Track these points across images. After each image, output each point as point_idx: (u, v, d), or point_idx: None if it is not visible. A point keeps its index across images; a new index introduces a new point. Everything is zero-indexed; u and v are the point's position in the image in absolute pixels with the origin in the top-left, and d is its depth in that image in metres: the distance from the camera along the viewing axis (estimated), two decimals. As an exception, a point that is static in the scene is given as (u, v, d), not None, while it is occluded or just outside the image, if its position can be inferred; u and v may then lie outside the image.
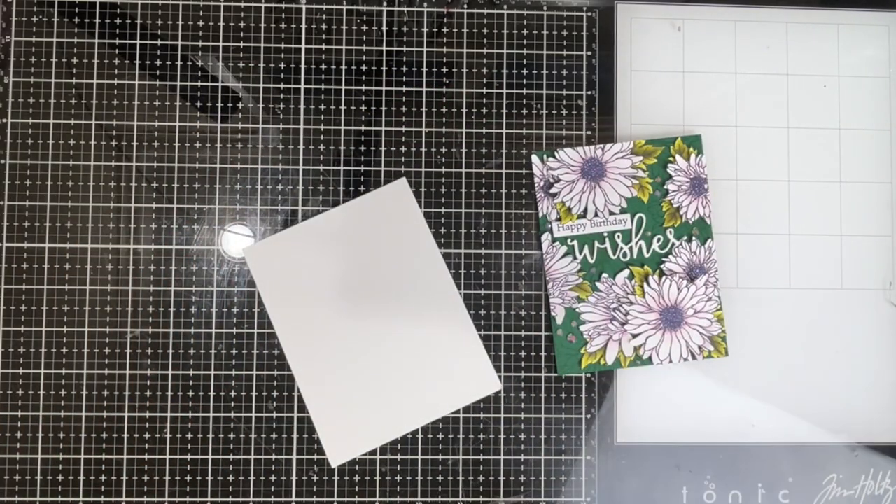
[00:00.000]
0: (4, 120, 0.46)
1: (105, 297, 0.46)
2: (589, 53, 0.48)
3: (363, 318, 0.46)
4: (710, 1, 0.49)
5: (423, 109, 0.48)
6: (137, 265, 0.46)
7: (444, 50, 0.48)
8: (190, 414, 0.46)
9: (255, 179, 0.47)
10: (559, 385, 0.47)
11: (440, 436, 0.46)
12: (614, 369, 0.47)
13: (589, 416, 0.47)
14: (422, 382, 0.46)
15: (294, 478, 0.46)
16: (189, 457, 0.46)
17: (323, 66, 0.48)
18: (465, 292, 0.47)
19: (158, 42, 0.47)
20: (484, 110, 0.48)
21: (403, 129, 0.48)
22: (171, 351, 0.46)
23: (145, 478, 0.46)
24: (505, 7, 0.48)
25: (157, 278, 0.46)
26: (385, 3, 0.48)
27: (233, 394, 0.46)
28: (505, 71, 0.48)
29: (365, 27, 0.48)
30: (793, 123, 0.49)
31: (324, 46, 0.48)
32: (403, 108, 0.48)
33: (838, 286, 0.48)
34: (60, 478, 0.45)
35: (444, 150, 0.48)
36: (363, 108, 0.48)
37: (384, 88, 0.48)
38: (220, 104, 0.47)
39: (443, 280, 0.46)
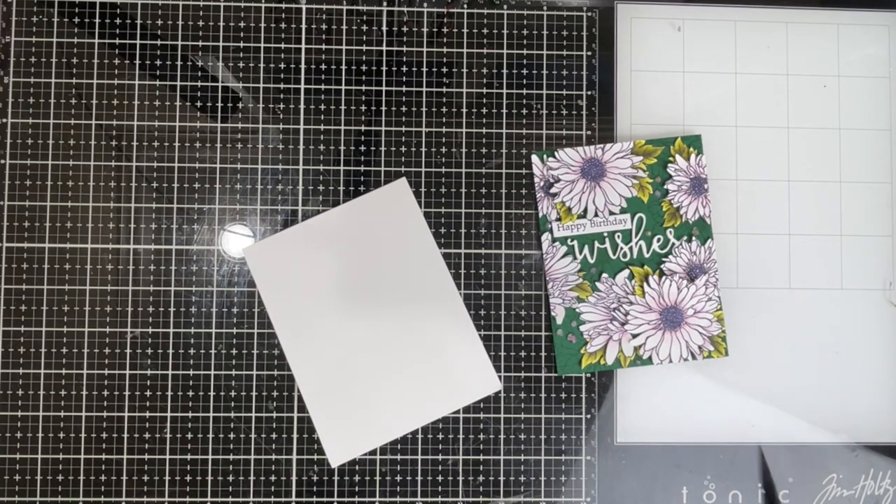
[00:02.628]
0: (4, 120, 0.46)
1: (105, 297, 0.46)
2: (589, 53, 0.48)
3: (363, 318, 0.46)
4: (710, 1, 0.49)
5: (423, 109, 0.48)
6: (137, 265, 0.46)
7: (444, 50, 0.48)
8: (190, 414, 0.46)
9: (255, 179, 0.47)
10: (559, 385, 0.47)
11: (440, 436, 0.46)
12: (614, 369, 0.47)
13: (589, 416, 0.47)
14: (422, 382, 0.46)
15: (294, 478, 0.46)
16: (189, 457, 0.46)
17: (323, 66, 0.48)
18: (465, 292, 0.47)
19: (158, 42, 0.47)
20: (484, 110, 0.48)
21: (403, 129, 0.48)
22: (171, 351, 0.46)
23: (145, 478, 0.46)
24: (505, 7, 0.48)
25: (157, 278, 0.46)
26: (385, 3, 0.48)
27: (233, 394, 0.46)
28: (505, 71, 0.48)
29: (365, 27, 0.48)
30: (793, 123, 0.49)
31: (324, 46, 0.48)
32: (403, 108, 0.48)
33: (838, 286, 0.48)
34: (60, 478, 0.45)
35: (444, 150, 0.48)
36: (363, 108, 0.48)
37: (384, 88, 0.48)
38: (220, 104, 0.47)
39: (443, 280, 0.46)
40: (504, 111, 0.48)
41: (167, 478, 0.46)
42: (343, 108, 0.48)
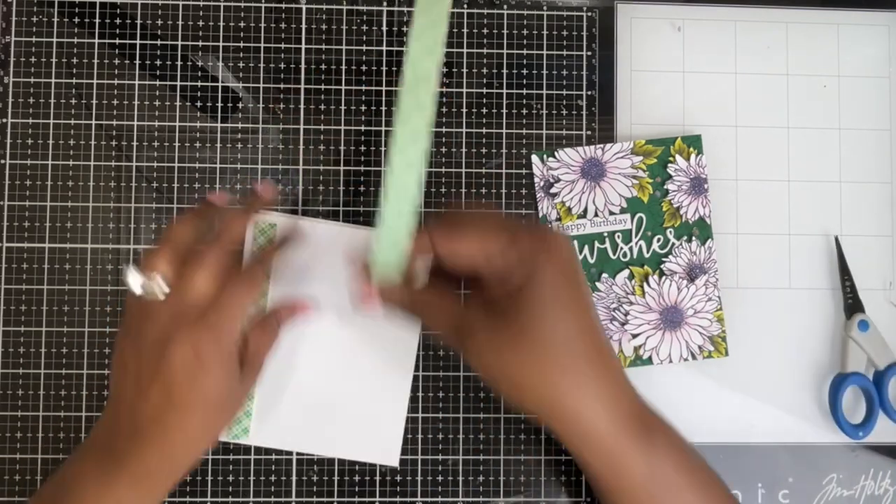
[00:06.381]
0: (4, 120, 0.46)
1: (105, 297, 0.46)
2: (589, 53, 0.48)
3: (326, 335, 0.46)
4: (710, 1, 0.49)
5: (423, 109, 0.48)
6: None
7: (444, 50, 0.48)
8: (190, 414, 0.46)
9: (255, 179, 0.47)
10: (559, 385, 0.47)
11: (440, 436, 0.46)
12: (614, 369, 0.47)
13: (589, 416, 0.47)
14: (335, 415, 0.46)
15: (294, 478, 0.46)
16: (189, 457, 0.46)
17: (323, 66, 0.48)
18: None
19: (158, 42, 0.47)
20: (484, 110, 0.48)
21: (403, 129, 0.48)
22: (171, 351, 0.46)
23: (145, 478, 0.46)
24: (505, 7, 0.48)
25: (157, 278, 0.46)
26: (385, 3, 0.48)
27: (233, 394, 0.46)
28: (505, 71, 0.48)
29: (365, 27, 0.48)
30: (793, 123, 0.49)
31: (324, 46, 0.48)
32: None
33: (838, 286, 0.48)
34: (60, 478, 0.45)
35: (444, 150, 0.48)
36: (363, 108, 0.48)
37: (384, 88, 0.48)
38: (220, 104, 0.47)
39: (407, 351, 0.46)
40: (504, 111, 0.48)
41: (167, 478, 0.46)
42: (343, 108, 0.48)
